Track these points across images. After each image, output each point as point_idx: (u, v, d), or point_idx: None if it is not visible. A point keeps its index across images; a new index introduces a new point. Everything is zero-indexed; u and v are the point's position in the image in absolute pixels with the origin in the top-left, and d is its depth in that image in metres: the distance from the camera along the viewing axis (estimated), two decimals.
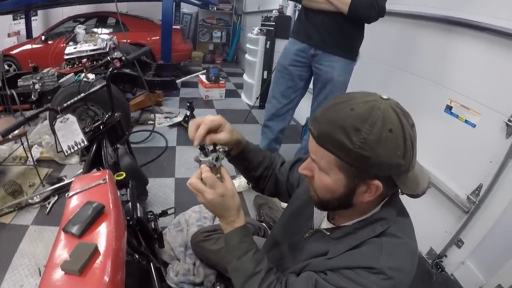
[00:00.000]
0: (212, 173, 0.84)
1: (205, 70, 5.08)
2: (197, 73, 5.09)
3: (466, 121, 1.90)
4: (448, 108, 2.00)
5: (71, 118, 1.40)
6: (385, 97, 0.69)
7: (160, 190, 2.59)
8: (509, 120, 1.64)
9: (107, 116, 1.57)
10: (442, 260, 2.07)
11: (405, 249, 0.76)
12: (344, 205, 0.77)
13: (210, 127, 0.90)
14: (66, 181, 2.48)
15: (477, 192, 1.84)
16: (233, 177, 1.09)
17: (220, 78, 5.10)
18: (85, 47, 3.43)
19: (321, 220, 0.93)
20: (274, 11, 4.36)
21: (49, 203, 2.32)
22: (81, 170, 2.43)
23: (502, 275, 1.69)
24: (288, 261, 0.97)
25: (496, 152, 1.73)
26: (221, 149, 0.90)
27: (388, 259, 0.72)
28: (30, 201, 2.31)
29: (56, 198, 2.37)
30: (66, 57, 3.50)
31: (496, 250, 1.79)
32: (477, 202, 1.83)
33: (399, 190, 0.76)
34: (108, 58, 1.55)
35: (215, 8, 7.91)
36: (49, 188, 2.40)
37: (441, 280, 2.01)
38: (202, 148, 0.88)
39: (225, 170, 0.89)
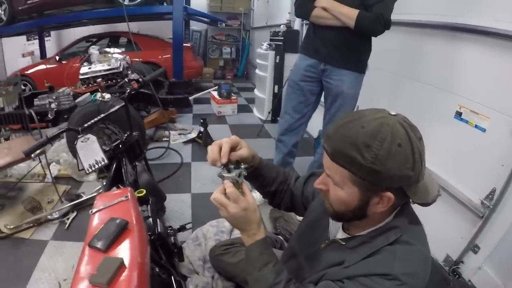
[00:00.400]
0: (235, 188, 0.88)
1: (217, 86, 5.15)
2: (209, 90, 5.15)
3: (476, 126, 1.90)
4: (458, 114, 2.01)
5: (92, 138, 1.46)
6: (393, 113, 0.75)
7: (177, 205, 2.62)
8: None
9: (126, 135, 1.63)
10: (459, 267, 2.05)
11: (418, 255, 0.78)
12: (358, 216, 0.81)
13: (231, 145, 0.96)
14: (85, 197, 2.54)
15: (490, 196, 1.83)
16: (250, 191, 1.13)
17: (232, 94, 5.17)
18: (100, 67, 3.52)
19: (336, 230, 0.96)
20: (282, 25, 4.42)
21: (68, 218, 2.37)
22: (100, 187, 2.49)
23: None
24: (306, 271, 0.99)
25: (507, 155, 1.73)
26: (242, 166, 0.95)
27: (402, 265, 0.74)
28: (49, 217, 2.36)
29: (75, 214, 2.42)
30: (81, 77, 3.59)
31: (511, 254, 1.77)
32: (491, 206, 1.82)
33: (412, 201, 0.79)
34: (126, 79, 1.61)
35: (224, 24, 8.02)
36: (68, 205, 2.46)
37: (459, 287, 1.99)
38: (225, 165, 0.93)
39: (246, 186, 0.93)
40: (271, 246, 0.93)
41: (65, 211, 2.42)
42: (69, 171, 2.94)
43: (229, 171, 0.93)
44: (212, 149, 0.94)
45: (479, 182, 1.90)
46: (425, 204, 0.79)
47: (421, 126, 2.35)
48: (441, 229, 2.17)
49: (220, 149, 0.94)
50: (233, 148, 0.97)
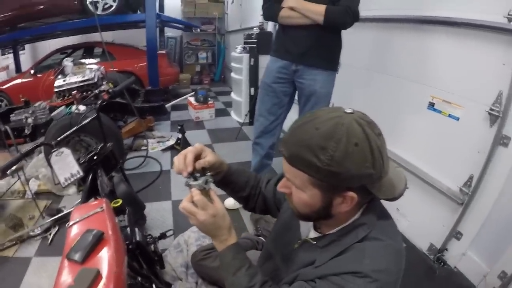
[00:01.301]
0: (202, 195, 0.88)
1: (193, 92, 5.12)
2: (185, 96, 5.10)
3: (449, 115, 1.95)
4: (431, 105, 2.06)
5: (66, 151, 1.44)
6: (348, 111, 0.73)
7: (158, 213, 2.61)
8: (491, 109, 1.69)
9: (99, 147, 1.61)
10: (444, 254, 2.09)
11: (388, 250, 0.78)
12: (323, 216, 0.81)
13: (195, 154, 0.96)
14: (66, 212, 2.49)
15: (468, 183, 1.88)
16: (226, 196, 1.15)
17: (209, 99, 5.15)
18: (74, 79, 3.47)
19: (308, 230, 0.96)
20: (255, 28, 4.45)
21: (50, 234, 2.33)
22: (80, 200, 2.46)
23: (505, 262, 1.72)
24: (282, 272, 1.00)
25: (482, 142, 1.77)
26: (208, 173, 0.96)
27: (372, 262, 0.74)
28: (31, 233, 2.31)
29: (56, 228, 2.38)
30: (56, 90, 3.53)
31: (495, 238, 1.82)
32: (470, 193, 1.87)
33: (377, 197, 0.79)
34: (96, 91, 1.60)
35: (198, 30, 7.99)
36: (49, 220, 2.41)
37: (445, 274, 2.03)
38: (191, 173, 0.93)
39: (214, 193, 0.93)
40: (244, 251, 0.93)
41: (46, 226, 2.38)
42: (48, 186, 2.89)
43: (195, 179, 0.93)
44: (177, 159, 0.94)
45: (457, 170, 1.95)
46: (391, 199, 0.79)
47: (396, 118, 2.41)
48: (423, 219, 2.22)
49: (185, 158, 0.94)
50: (198, 156, 0.97)
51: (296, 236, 0.99)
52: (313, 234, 0.94)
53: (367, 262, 0.74)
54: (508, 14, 1.55)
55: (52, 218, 2.42)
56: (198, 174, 0.94)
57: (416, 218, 2.29)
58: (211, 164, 0.99)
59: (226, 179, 1.12)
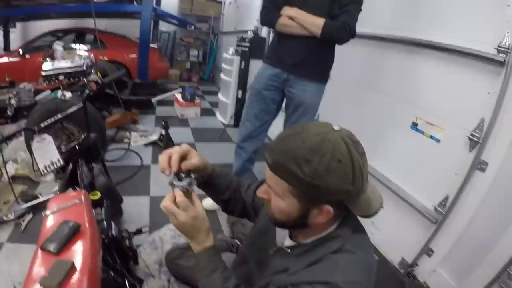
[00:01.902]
0: (185, 197, 0.89)
1: (181, 89, 5.10)
2: (173, 92, 5.07)
3: (431, 137, 2.00)
4: (414, 125, 2.11)
5: (48, 139, 1.43)
6: (336, 128, 0.76)
7: (135, 208, 2.58)
8: (471, 135, 1.74)
9: (83, 137, 1.59)
10: (414, 269, 2.14)
11: (360, 264, 0.80)
12: (299, 225, 0.83)
13: (181, 154, 0.97)
14: (42, 199, 2.43)
15: (443, 203, 1.93)
16: (205, 196, 1.15)
17: (196, 97, 5.13)
18: (63, 64, 3.39)
19: (283, 238, 0.98)
20: (249, 32, 4.48)
21: (24, 220, 2.27)
22: (57, 188, 2.41)
23: (473, 280, 1.76)
24: (255, 277, 1.01)
25: (460, 165, 1.82)
26: (193, 175, 0.97)
27: (343, 274, 0.76)
28: (5, 218, 2.26)
29: (31, 215, 2.33)
30: (43, 73, 3.45)
31: (465, 257, 1.87)
32: (444, 213, 1.92)
33: (353, 213, 0.82)
34: (85, 80, 1.57)
35: (193, 27, 7.96)
36: (24, 206, 2.35)
37: None
38: (176, 173, 0.94)
39: (195, 195, 0.93)
40: (219, 254, 0.94)
41: (21, 212, 2.32)
42: (26, 171, 2.82)
43: (179, 179, 0.93)
44: (162, 158, 0.95)
45: (433, 190, 2.00)
46: (366, 216, 0.81)
47: (379, 135, 2.46)
48: (397, 234, 2.27)
49: (170, 158, 0.94)
50: (184, 157, 0.98)
51: (272, 242, 1.00)
52: (288, 242, 0.95)
53: (339, 273, 0.76)
54: (498, 46, 1.61)
55: (27, 204, 2.36)
56: (182, 175, 0.95)
57: (390, 232, 2.33)
58: (196, 167, 1.00)
59: (209, 181, 1.13)
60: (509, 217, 1.60)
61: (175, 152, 0.95)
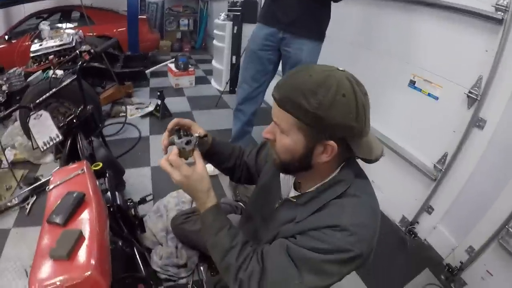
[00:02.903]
0: (183, 156, 0.90)
1: (173, 59, 5.01)
2: (166, 62, 4.99)
3: (429, 94, 1.99)
4: (412, 83, 2.09)
5: (45, 114, 1.41)
6: (341, 68, 0.78)
7: (138, 179, 2.60)
8: (469, 92, 1.74)
9: (79, 109, 1.57)
10: (415, 227, 2.19)
11: (366, 207, 0.82)
12: (304, 166, 0.83)
13: (179, 123, 1.01)
14: (43, 180, 2.44)
15: (442, 160, 1.95)
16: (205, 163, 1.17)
17: (189, 66, 5.06)
18: (51, 43, 3.33)
19: (288, 190, 0.99)
20: None
21: (28, 203, 2.28)
22: (58, 167, 2.41)
23: (473, 237, 1.80)
24: (262, 232, 1.03)
25: (458, 122, 1.83)
26: (195, 134, 0.96)
27: (350, 217, 0.78)
28: (9, 204, 2.26)
29: (34, 198, 2.33)
30: (32, 54, 3.39)
31: (465, 214, 1.91)
32: (443, 170, 1.94)
33: (355, 154, 0.82)
34: (77, 51, 1.54)
35: None
36: (27, 189, 2.36)
37: (415, 245, 2.14)
38: (177, 131, 0.96)
39: (198, 154, 0.94)
40: (224, 212, 0.94)
41: (24, 196, 2.32)
42: (25, 155, 2.81)
43: (179, 137, 0.94)
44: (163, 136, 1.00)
45: (432, 147, 2.01)
46: (368, 160, 0.83)
47: (378, 94, 2.44)
48: (397, 192, 2.30)
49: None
50: (188, 128, 1.04)
51: (277, 196, 1.01)
52: (293, 193, 0.96)
53: (345, 216, 0.78)
54: (496, 4, 1.58)
55: (30, 187, 2.37)
56: (182, 133, 0.96)
57: (390, 191, 2.36)
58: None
59: (212, 150, 1.15)
60: (508, 174, 1.62)
61: (172, 122, 1.01)
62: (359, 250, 0.75)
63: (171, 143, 0.95)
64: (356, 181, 0.84)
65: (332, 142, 0.76)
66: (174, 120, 1.02)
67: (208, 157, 1.17)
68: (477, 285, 1.76)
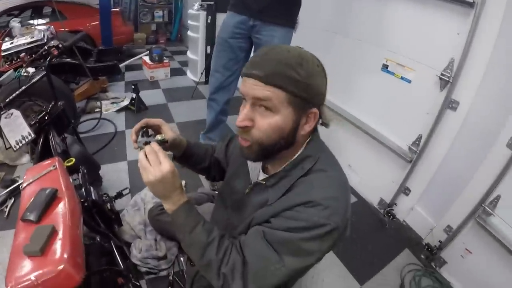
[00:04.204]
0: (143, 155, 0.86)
1: (147, 51, 4.95)
2: (139, 55, 4.90)
3: (402, 78, 2.03)
4: (385, 67, 2.13)
5: (15, 113, 1.38)
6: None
7: (114, 174, 2.58)
8: (441, 74, 1.78)
9: (50, 106, 1.55)
10: (393, 208, 2.25)
11: (334, 180, 0.83)
12: (290, 142, 0.83)
13: (148, 123, 1.02)
14: (20, 182, 2.40)
15: (417, 142, 2.00)
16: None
17: (164, 58, 5.01)
18: (22, 41, 3.22)
19: (257, 174, 1.00)
20: None
21: (6, 206, 2.24)
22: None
23: (450, 216, 1.86)
24: (234, 219, 1.02)
25: (431, 104, 1.88)
26: (158, 137, 0.96)
27: (321, 191, 0.79)
28: None
29: (13, 200, 2.29)
30: (3, 53, 3.29)
31: (442, 194, 1.97)
32: (418, 152, 2.00)
33: (323, 120, 0.86)
34: (45, 47, 1.51)
35: None
36: (4, 192, 2.31)
37: (394, 227, 2.20)
38: (145, 131, 0.98)
39: (162, 153, 0.87)
40: (194, 208, 0.90)
41: (2, 199, 2.27)
42: (0, 157, 2.75)
43: (142, 137, 0.97)
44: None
45: (407, 130, 2.06)
46: (327, 124, 0.88)
47: (352, 79, 2.47)
48: (374, 175, 2.36)
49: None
50: (157, 130, 1.05)
51: (247, 181, 1.01)
52: (262, 176, 0.97)
53: (316, 191, 0.79)
54: None
55: (7, 190, 2.31)
56: (146, 133, 0.98)
57: (367, 174, 2.43)
58: (172, 140, 1.03)
59: (187, 152, 1.15)
60: (482, 154, 1.66)
61: (139, 122, 1.01)
62: (335, 224, 0.75)
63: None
64: (321, 155, 0.86)
65: (315, 109, 0.80)
66: (143, 120, 1.02)
67: (184, 159, 1.16)
68: (457, 263, 1.81)
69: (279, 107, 0.77)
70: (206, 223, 0.87)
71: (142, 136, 0.96)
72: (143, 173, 0.84)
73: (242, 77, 0.82)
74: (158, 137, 0.95)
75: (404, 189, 2.16)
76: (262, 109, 0.79)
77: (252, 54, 2.33)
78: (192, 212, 0.88)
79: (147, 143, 0.90)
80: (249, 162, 1.01)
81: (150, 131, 1.00)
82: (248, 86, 0.79)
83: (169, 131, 1.03)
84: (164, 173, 0.82)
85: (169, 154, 0.97)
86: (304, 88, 0.76)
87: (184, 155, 1.14)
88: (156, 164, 0.83)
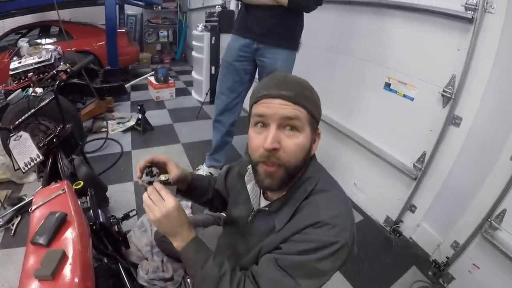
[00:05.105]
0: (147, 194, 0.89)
1: (153, 72, 5.02)
2: (145, 75, 5.00)
3: (404, 96, 2.04)
4: (387, 85, 2.15)
5: (24, 135, 1.41)
6: None
7: (121, 195, 2.59)
8: (444, 91, 1.79)
9: (58, 129, 1.57)
10: (399, 226, 2.23)
11: (337, 198, 0.85)
12: (307, 161, 0.87)
13: (153, 160, 1.02)
14: (27, 200, 2.41)
15: (421, 159, 2.00)
16: None
17: (169, 78, 5.07)
18: (30, 61, 3.30)
19: (257, 201, 1.00)
20: (217, 6, 4.43)
21: (13, 224, 2.24)
22: (41, 187, 2.38)
23: (457, 232, 1.86)
24: (241, 247, 1.02)
25: (435, 121, 1.88)
26: (161, 177, 0.96)
27: (326, 210, 0.80)
28: None
29: (19, 218, 2.30)
30: (11, 72, 3.35)
31: (447, 210, 1.96)
32: (423, 169, 1.99)
33: None
34: (54, 71, 1.55)
35: (160, 7, 7.73)
36: (11, 210, 2.33)
37: (401, 244, 2.18)
38: (149, 170, 0.98)
39: (164, 191, 0.89)
40: (203, 243, 0.91)
41: (9, 217, 2.28)
42: (7, 175, 2.77)
43: (147, 175, 0.97)
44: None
45: (411, 147, 2.06)
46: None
47: (354, 98, 2.49)
48: (379, 193, 2.35)
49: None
50: (163, 167, 1.05)
51: (249, 208, 1.01)
52: (264, 202, 0.97)
53: (322, 212, 0.80)
54: (466, 3, 1.63)
55: (14, 208, 2.33)
56: (151, 172, 0.98)
57: (373, 192, 2.42)
58: (178, 177, 1.04)
59: (191, 185, 1.16)
60: (487, 168, 1.66)
61: (144, 159, 1.01)
62: (344, 240, 0.77)
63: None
64: (321, 175, 0.89)
65: (319, 130, 0.89)
66: (148, 157, 1.01)
67: (188, 193, 1.17)
68: (465, 279, 1.79)
69: (304, 127, 0.81)
70: (216, 256, 0.88)
71: (147, 175, 0.97)
72: (149, 212, 0.86)
73: (261, 99, 0.82)
74: (162, 177, 0.96)
75: (409, 206, 2.15)
76: (287, 130, 0.80)
77: (256, 76, 2.39)
78: (202, 247, 0.89)
79: (150, 183, 0.92)
80: (249, 189, 1.01)
81: (155, 170, 1.00)
82: (276, 107, 0.79)
83: (174, 169, 1.04)
84: (168, 209, 0.84)
85: (173, 188, 0.97)
86: (317, 108, 0.85)
87: (188, 188, 1.16)
88: (160, 201, 0.85)
